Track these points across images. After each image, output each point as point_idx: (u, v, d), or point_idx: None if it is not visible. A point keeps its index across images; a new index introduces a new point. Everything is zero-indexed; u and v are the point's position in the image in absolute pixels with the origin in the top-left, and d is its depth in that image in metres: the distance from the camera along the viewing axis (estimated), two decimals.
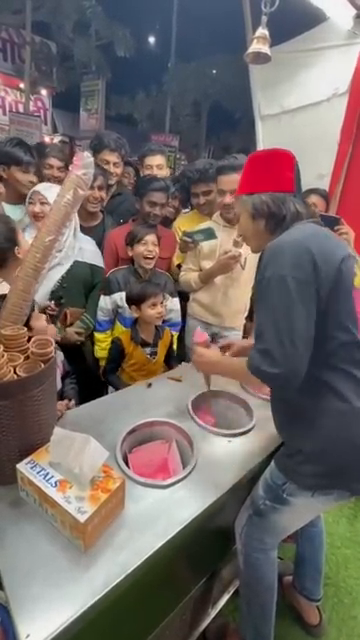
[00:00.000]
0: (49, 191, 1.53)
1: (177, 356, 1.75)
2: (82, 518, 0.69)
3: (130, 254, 1.68)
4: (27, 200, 1.58)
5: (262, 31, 1.76)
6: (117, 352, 1.54)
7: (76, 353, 1.70)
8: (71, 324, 1.67)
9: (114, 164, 2.03)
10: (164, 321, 1.78)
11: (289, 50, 2.36)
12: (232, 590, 1.34)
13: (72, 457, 0.77)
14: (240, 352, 1.24)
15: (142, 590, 0.80)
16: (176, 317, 1.83)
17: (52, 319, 1.53)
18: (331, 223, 1.65)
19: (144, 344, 1.55)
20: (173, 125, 9.42)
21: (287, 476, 0.92)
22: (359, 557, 1.61)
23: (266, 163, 0.98)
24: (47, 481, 0.76)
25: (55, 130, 9.03)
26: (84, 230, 1.75)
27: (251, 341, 1.34)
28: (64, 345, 1.57)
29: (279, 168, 0.96)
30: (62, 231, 0.93)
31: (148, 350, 1.56)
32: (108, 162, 2.01)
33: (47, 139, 7.82)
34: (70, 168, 0.94)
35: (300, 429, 0.90)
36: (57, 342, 1.53)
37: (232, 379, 1.13)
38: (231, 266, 1.65)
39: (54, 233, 0.92)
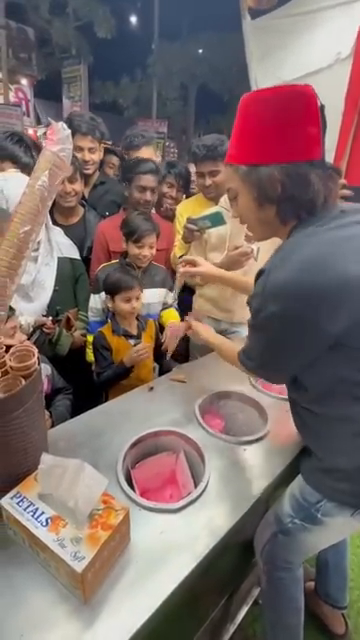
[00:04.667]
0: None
1: (182, 356, 1.61)
2: (79, 567, 0.57)
3: (124, 247, 1.52)
4: None
5: None
6: (102, 347, 1.39)
7: (75, 359, 1.56)
8: (75, 328, 1.55)
9: (89, 149, 1.79)
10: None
11: (284, 15, 2.17)
12: (250, 601, 1.25)
13: (65, 488, 0.65)
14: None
15: (157, 634, 0.69)
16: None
17: (46, 335, 1.39)
18: None
19: (128, 336, 1.42)
20: (160, 110, 9.09)
21: (323, 494, 0.80)
22: None
23: (277, 111, 0.62)
24: (36, 519, 0.64)
25: (39, 121, 8.63)
26: (63, 229, 1.58)
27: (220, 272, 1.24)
28: (59, 356, 1.43)
29: (298, 120, 0.62)
30: (39, 220, 0.79)
31: (132, 342, 1.42)
32: (82, 148, 1.76)
33: (31, 131, 7.49)
34: (44, 144, 0.79)
35: (332, 445, 0.78)
36: (54, 354, 1.41)
37: (217, 350, 1.08)
38: (242, 263, 1.48)
39: (29, 223, 0.77)
